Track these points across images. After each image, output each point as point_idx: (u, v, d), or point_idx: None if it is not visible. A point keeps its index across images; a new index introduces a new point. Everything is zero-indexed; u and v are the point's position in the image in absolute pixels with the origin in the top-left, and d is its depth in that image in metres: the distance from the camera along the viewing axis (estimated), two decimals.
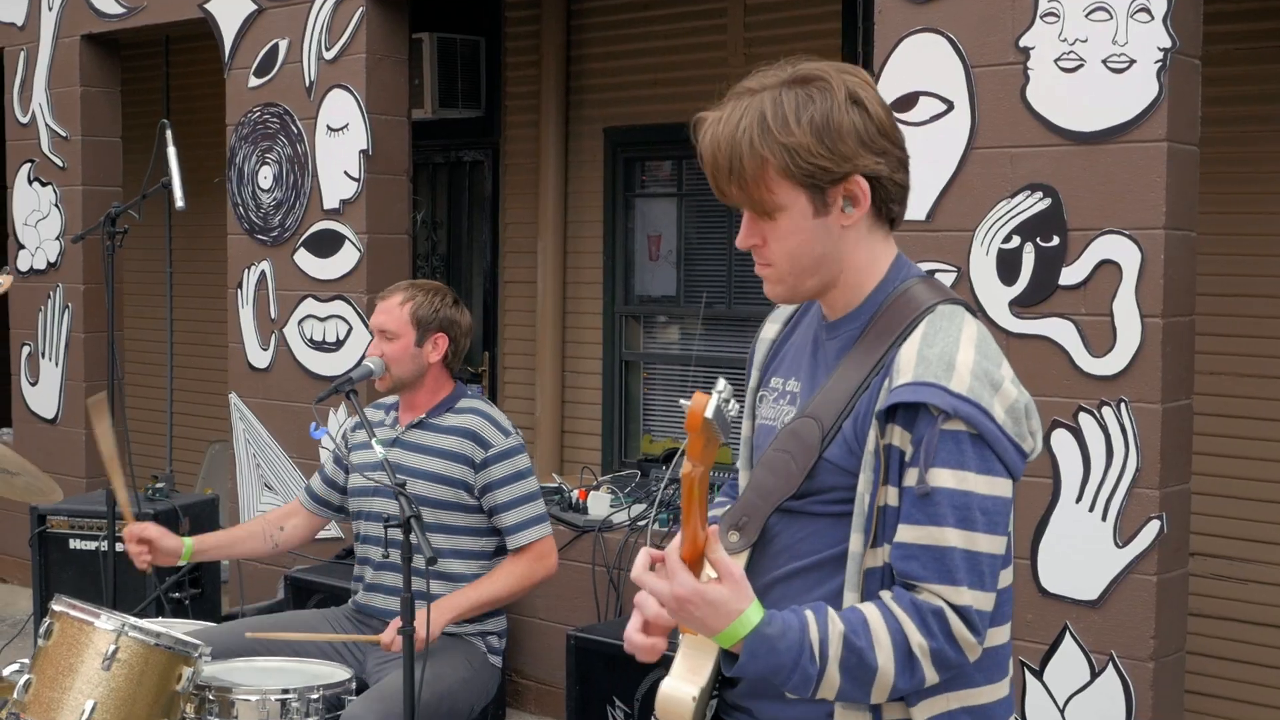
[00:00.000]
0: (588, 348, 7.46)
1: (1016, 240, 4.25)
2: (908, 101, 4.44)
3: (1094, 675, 4.17)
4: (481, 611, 3.95)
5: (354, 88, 5.98)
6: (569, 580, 5.37)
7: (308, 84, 6.13)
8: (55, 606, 3.39)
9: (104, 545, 5.54)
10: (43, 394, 7.57)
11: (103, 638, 3.30)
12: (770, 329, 2.35)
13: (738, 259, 7.00)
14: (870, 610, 1.97)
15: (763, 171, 2.01)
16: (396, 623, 3.66)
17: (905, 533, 1.97)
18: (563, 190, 7.39)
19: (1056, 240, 4.18)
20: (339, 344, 6.09)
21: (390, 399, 4.24)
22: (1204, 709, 5.18)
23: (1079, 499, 4.17)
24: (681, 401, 1.90)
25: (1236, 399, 5.30)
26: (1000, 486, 1.98)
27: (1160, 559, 4.08)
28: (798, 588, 2.08)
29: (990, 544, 1.97)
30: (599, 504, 5.65)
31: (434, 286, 4.21)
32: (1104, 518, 4.14)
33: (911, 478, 1.97)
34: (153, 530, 3.93)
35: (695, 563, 1.97)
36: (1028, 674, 4.25)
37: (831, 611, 1.98)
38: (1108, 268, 4.10)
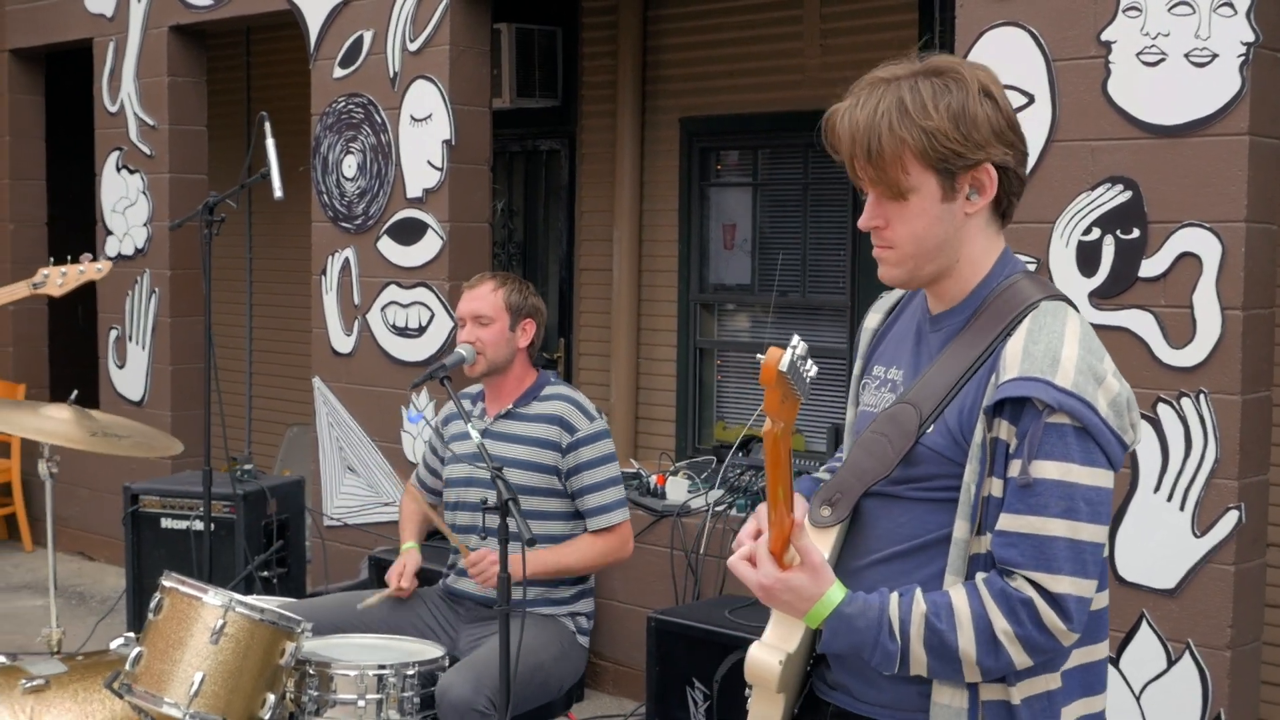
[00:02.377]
0: (662, 335, 7.55)
1: (1096, 232, 4.30)
2: None
3: (1170, 663, 4.22)
4: (560, 575, 4.05)
5: (438, 78, 6.09)
6: (647, 564, 5.47)
7: (392, 75, 6.25)
8: (165, 583, 3.52)
9: (195, 524, 5.70)
10: (129, 377, 7.75)
11: (211, 613, 3.44)
12: (873, 318, 2.43)
13: (812, 249, 7.07)
14: (957, 594, 2.06)
15: (900, 152, 2.09)
16: (484, 551, 3.79)
17: (1006, 521, 2.05)
18: (638, 179, 7.48)
19: (1136, 233, 4.22)
20: (421, 330, 6.21)
21: (475, 389, 4.34)
22: (1274, 698, 5.20)
23: (1157, 489, 4.22)
24: (757, 356, 1.99)
25: None
26: (1102, 477, 2.05)
27: (1238, 549, 4.13)
28: (897, 570, 2.16)
29: (1093, 533, 2.04)
30: (677, 489, 5.75)
31: (515, 276, 4.35)
32: (1182, 507, 4.18)
33: (1014, 469, 2.04)
34: (403, 566, 4.21)
35: (783, 547, 2.07)
36: None
37: (919, 594, 2.07)
38: (1188, 260, 4.14)
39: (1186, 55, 4.10)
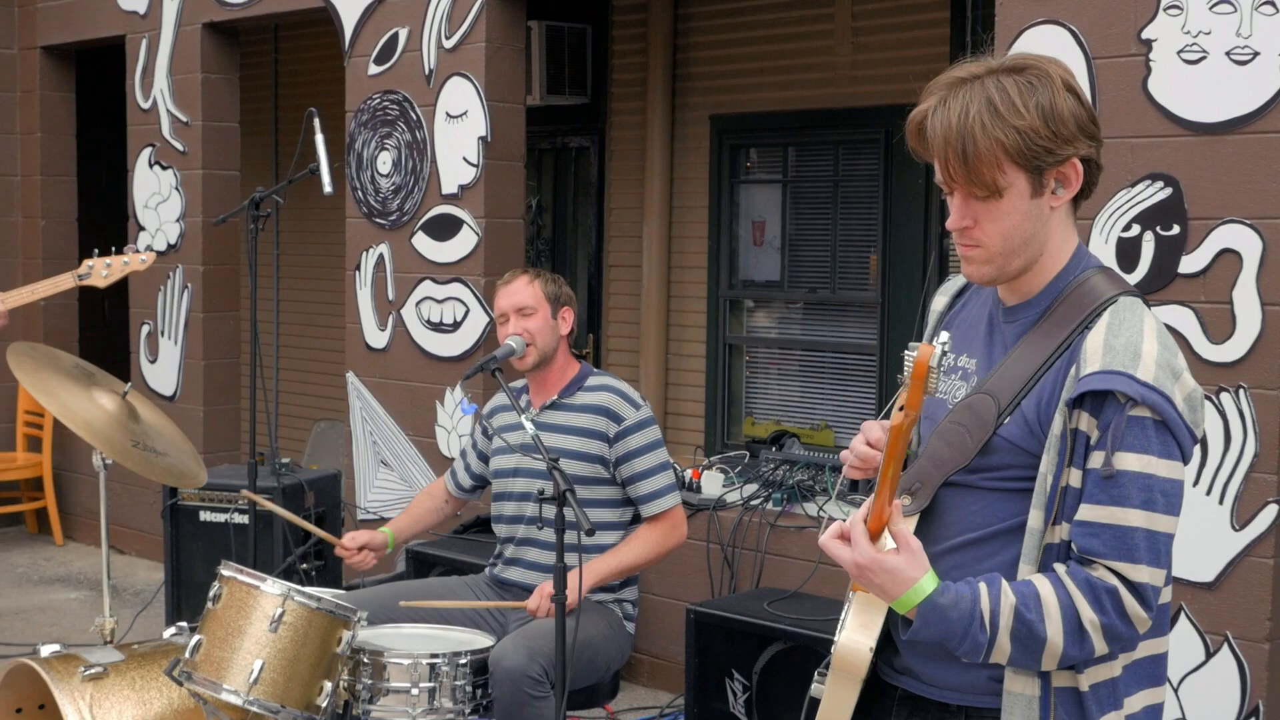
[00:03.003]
0: (691, 331, 7.60)
1: (1136, 229, 4.34)
2: None
3: (1208, 656, 4.25)
4: (623, 576, 4.12)
5: (473, 75, 6.14)
6: (683, 557, 5.51)
7: (427, 72, 6.30)
8: (224, 572, 3.57)
9: (234, 517, 5.76)
10: (161, 372, 7.81)
11: (270, 601, 3.49)
12: (940, 301, 2.47)
13: (841, 246, 7.11)
14: (1043, 584, 2.09)
15: (995, 153, 2.12)
16: (544, 588, 3.86)
17: (1088, 512, 2.09)
18: (668, 176, 7.53)
19: (1176, 229, 4.26)
20: (456, 325, 6.26)
21: (518, 384, 4.39)
22: None
23: (1196, 483, 4.25)
24: (905, 352, 2.03)
25: None
26: (1178, 470, 2.10)
27: (1277, 543, 4.16)
28: (971, 557, 2.20)
29: (1168, 524, 2.09)
30: (712, 483, 5.79)
31: (544, 269, 4.44)
32: (1221, 501, 4.22)
33: (1096, 460, 2.08)
34: (363, 535, 4.25)
35: (878, 532, 2.11)
36: None
37: (1005, 583, 2.11)
38: (1228, 256, 4.18)
39: (1228, 53, 4.14)
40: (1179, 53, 4.22)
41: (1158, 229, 4.30)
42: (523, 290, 4.23)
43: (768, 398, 7.51)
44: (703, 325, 7.56)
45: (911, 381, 1.99)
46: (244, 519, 5.65)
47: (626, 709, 5.47)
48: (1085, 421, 2.10)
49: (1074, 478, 2.11)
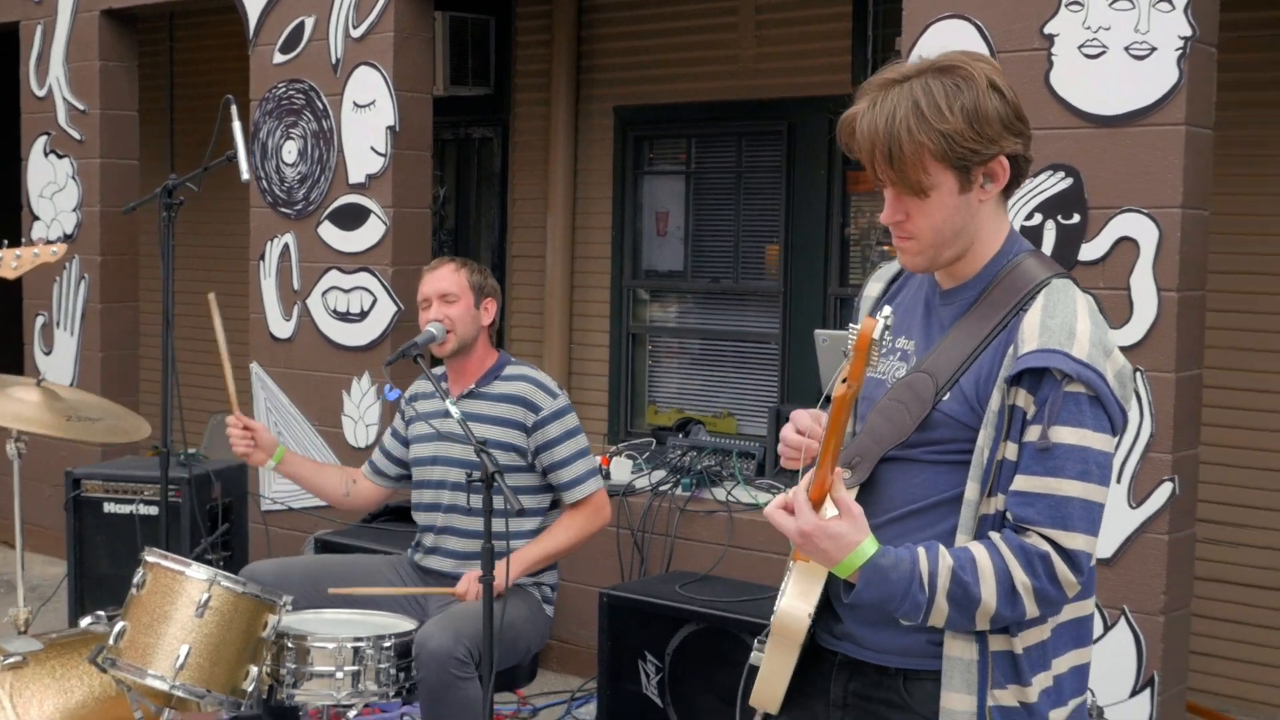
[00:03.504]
0: (595, 321, 7.66)
1: (1039, 218, 4.47)
2: None
3: (1107, 628, 4.40)
4: (549, 563, 4.17)
5: (381, 65, 6.14)
6: (593, 543, 5.52)
7: (334, 61, 6.29)
8: (148, 558, 3.56)
9: (140, 509, 5.70)
10: (57, 364, 7.70)
11: (196, 586, 3.49)
12: (875, 287, 2.55)
13: (744, 236, 7.22)
14: (979, 549, 2.19)
15: (920, 155, 2.21)
16: (471, 574, 3.90)
17: (1024, 482, 2.19)
18: (572, 167, 7.58)
19: (1077, 218, 4.40)
20: (363, 315, 6.26)
21: (437, 371, 4.42)
22: (1198, 667, 5.43)
23: None
24: (850, 325, 2.11)
25: (1234, 371, 5.57)
26: (1109, 444, 2.21)
27: (1171, 519, 4.32)
28: (910, 527, 2.30)
29: (1101, 494, 2.20)
30: (621, 470, 5.86)
31: (471, 260, 4.46)
32: (1119, 480, 4.37)
33: (1033, 434, 2.18)
34: (255, 422, 4.26)
35: (820, 501, 2.19)
36: None
37: (942, 548, 2.20)
38: (1126, 244, 4.32)
39: (1126, 48, 4.28)
40: (1080, 47, 4.36)
41: (1059, 218, 4.43)
42: (448, 277, 4.27)
43: (670, 386, 7.60)
44: (606, 315, 7.62)
45: (855, 354, 2.07)
46: (151, 510, 5.61)
47: (537, 693, 5.52)
48: (1023, 398, 2.19)
49: (1010, 451, 2.20)
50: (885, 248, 6.92)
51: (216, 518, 5.79)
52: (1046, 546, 2.17)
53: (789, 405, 6.19)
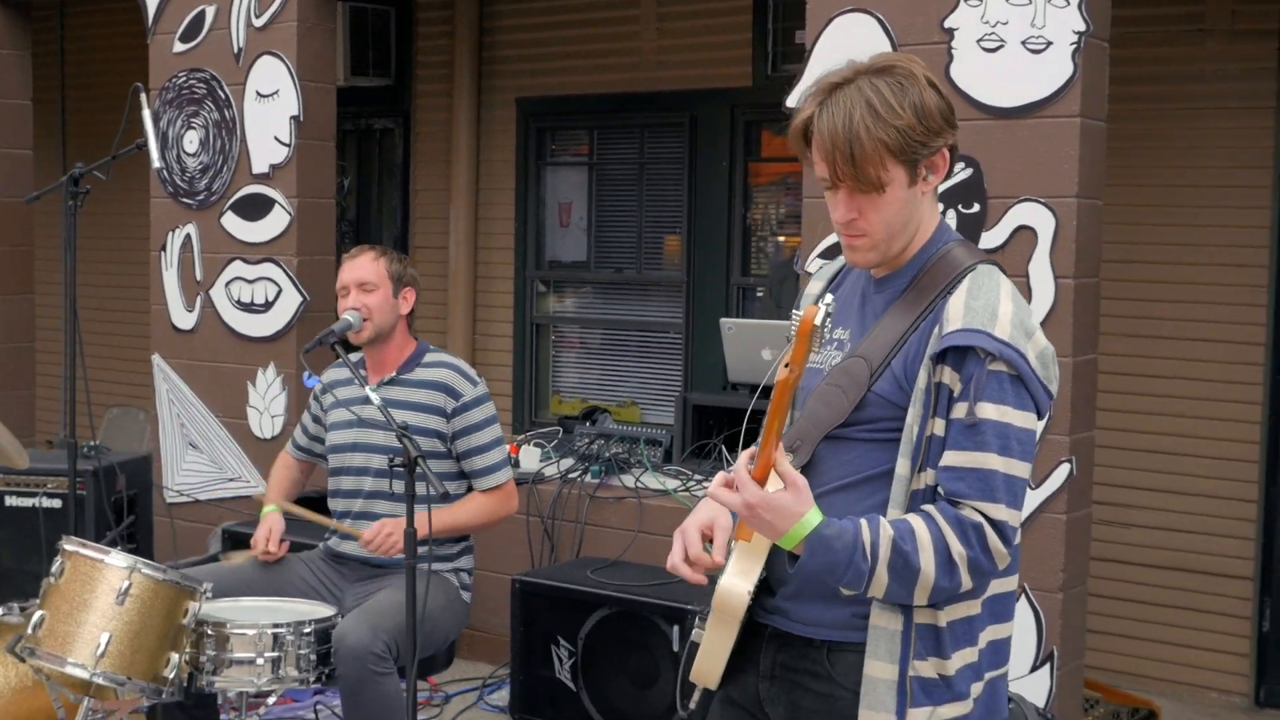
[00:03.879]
0: (499, 311, 7.70)
1: (940, 206, 4.57)
2: None
3: None
4: (456, 533, 4.21)
5: (284, 55, 6.12)
6: (503, 530, 5.59)
7: (236, 50, 6.26)
8: (66, 546, 3.55)
9: (43, 501, 5.64)
10: None
11: (116, 574, 3.49)
12: (816, 285, 2.64)
13: (646, 227, 7.30)
14: (916, 520, 2.27)
15: (878, 151, 2.30)
16: (382, 524, 3.94)
17: (953, 458, 2.28)
18: (474, 158, 7.61)
19: (977, 207, 4.53)
20: (268, 305, 6.24)
21: (354, 358, 4.42)
22: (1093, 644, 5.61)
23: None
24: (794, 312, 2.19)
25: (1126, 357, 5.76)
26: (1031, 421, 2.31)
27: (1069, 499, 4.47)
28: (844, 501, 2.38)
29: (1022, 469, 2.30)
30: (529, 458, 5.91)
31: (390, 249, 4.49)
32: None
33: (959, 411, 2.27)
34: (271, 528, 4.28)
35: (763, 479, 2.26)
36: None
37: (883, 520, 2.28)
38: (1024, 233, 4.46)
39: (1023, 42, 4.41)
40: (979, 41, 4.48)
41: (959, 207, 4.56)
42: (366, 266, 4.29)
43: (574, 376, 7.66)
44: (510, 306, 7.67)
45: (797, 339, 2.15)
46: (54, 503, 5.56)
47: (448, 681, 5.55)
48: (948, 375, 2.28)
49: (938, 427, 2.29)
50: (782, 238, 7.04)
51: (121, 510, 5.75)
52: (979, 517, 2.26)
53: (694, 393, 6.29)
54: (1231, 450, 5.72)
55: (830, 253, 4.87)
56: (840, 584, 2.28)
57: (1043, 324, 4.42)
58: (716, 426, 5.83)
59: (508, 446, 5.85)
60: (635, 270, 7.35)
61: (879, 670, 2.33)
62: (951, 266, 2.39)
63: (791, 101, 4.94)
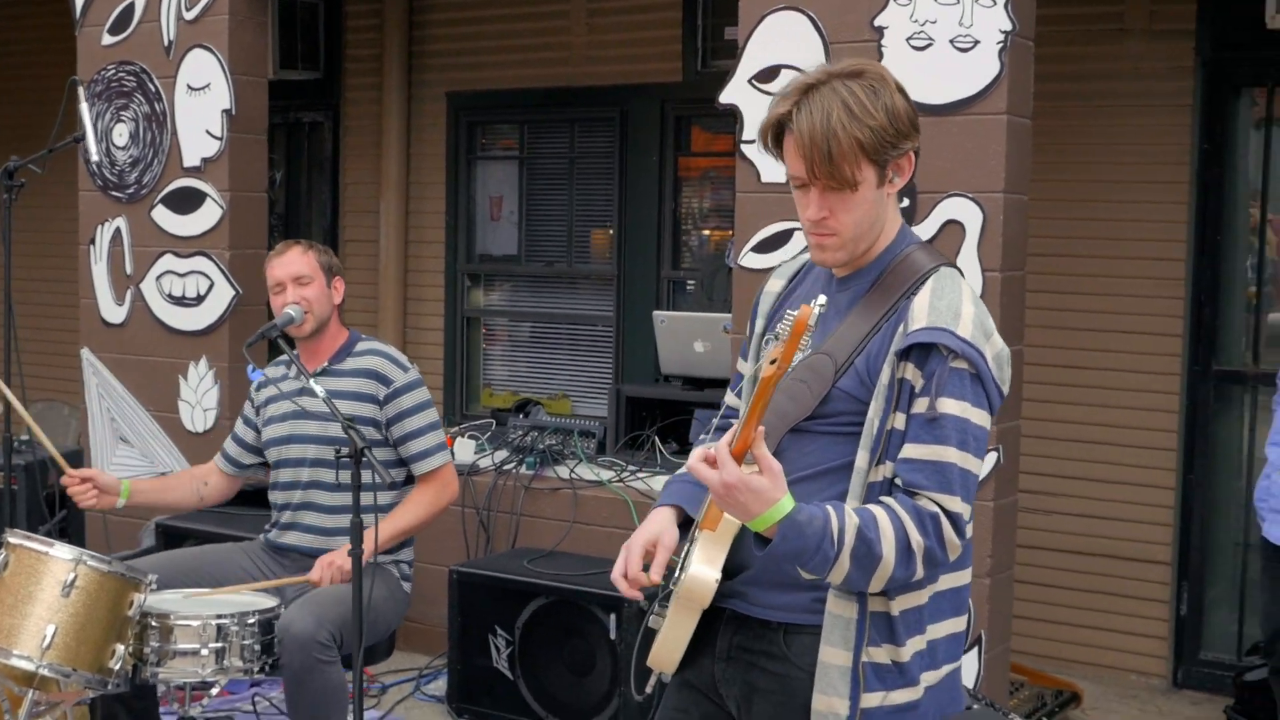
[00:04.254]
0: (429, 305, 7.73)
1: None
2: (769, 74, 4.83)
3: None
4: (399, 540, 4.25)
5: (216, 48, 6.10)
6: (439, 522, 5.59)
7: (166, 43, 6.23)
8: (10, 539, 3.56)
9: None
10: None
11: (61, 567, 3.50)
12: (776, 284, 2.71)
13: (577, 221, 7.36)
14: (878, 509, 2.34)
15: (854, 150, 2.37)
16: (322, 561, 3.98)
17: (913, 450, 2.35)
18: (405, 152, 7.63)
19: (907, 201, 4.62)
20: (200, 299, 6.22)
21: (285, 357, 4.45)
22: (1019, 629, 5.74)
23: None
24: (789, 312, 2.24)
25: (1051, 349, 5.89)
26: (986, 420, 2.39)
27: (996, 487, 4.58)
28: (806, 490, 2.44)
29: (977, 465, 2.38)
30: (464, 450, 5.94)
31: (313, 242, 4.51)
32: None
33: (920, 406, 2.35)
34: (91, 470, 4.15)
35: (741, 457, 2.30)
36: None
37: (847, 508, 2.34)
38: (952, 227, 4.56)
39: (951, 41, 4.52)
40: (908, 39, 4.59)
41: None
42: (298, 260, 4.32)
43: (506, 369, 7.71)
44: (440, 299, 7.70)
45: (790, 337, 2.19)
46: None
47: (385, 671, 5.58)
48: (911, 371, 2.36)
49: (899, 421, 2.37)
50: (707, 232, 7.12)
51: (53, 504, 5.73)
52: (935, 508, 2.33)
53: (627, 385, 6.36)
54: (1151, 439, 5.88)
55: (763, 247, 4.95)
56: (805, 568, 2.33)
57: None
58: (649, 418, 5.91)
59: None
60: (566, 264, 7.40)
61: (833, 656, 2.40)
62: (915, 268, 2.46)
63: (724, 98, 5.03)
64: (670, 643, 2.54)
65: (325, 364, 4.37)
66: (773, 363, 2.20)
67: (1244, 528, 5.77)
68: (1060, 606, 6.01)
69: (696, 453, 2.35)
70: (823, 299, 2.28)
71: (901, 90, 2.44)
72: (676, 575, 2.58)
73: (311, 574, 4.07)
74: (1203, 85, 5.77)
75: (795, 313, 2.21)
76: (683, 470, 2.76)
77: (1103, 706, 5.60)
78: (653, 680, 2.63)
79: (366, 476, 4.22)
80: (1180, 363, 5.83)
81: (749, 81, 4.82)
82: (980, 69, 4.48)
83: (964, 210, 4.54)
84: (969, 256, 4.53)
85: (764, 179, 4.82)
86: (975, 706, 3.56)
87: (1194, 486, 5.83)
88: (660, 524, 2.62)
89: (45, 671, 3.46)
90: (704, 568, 2.47)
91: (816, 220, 2.45)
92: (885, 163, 2.42)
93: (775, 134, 2.45)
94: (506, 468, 5.74)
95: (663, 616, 2.55)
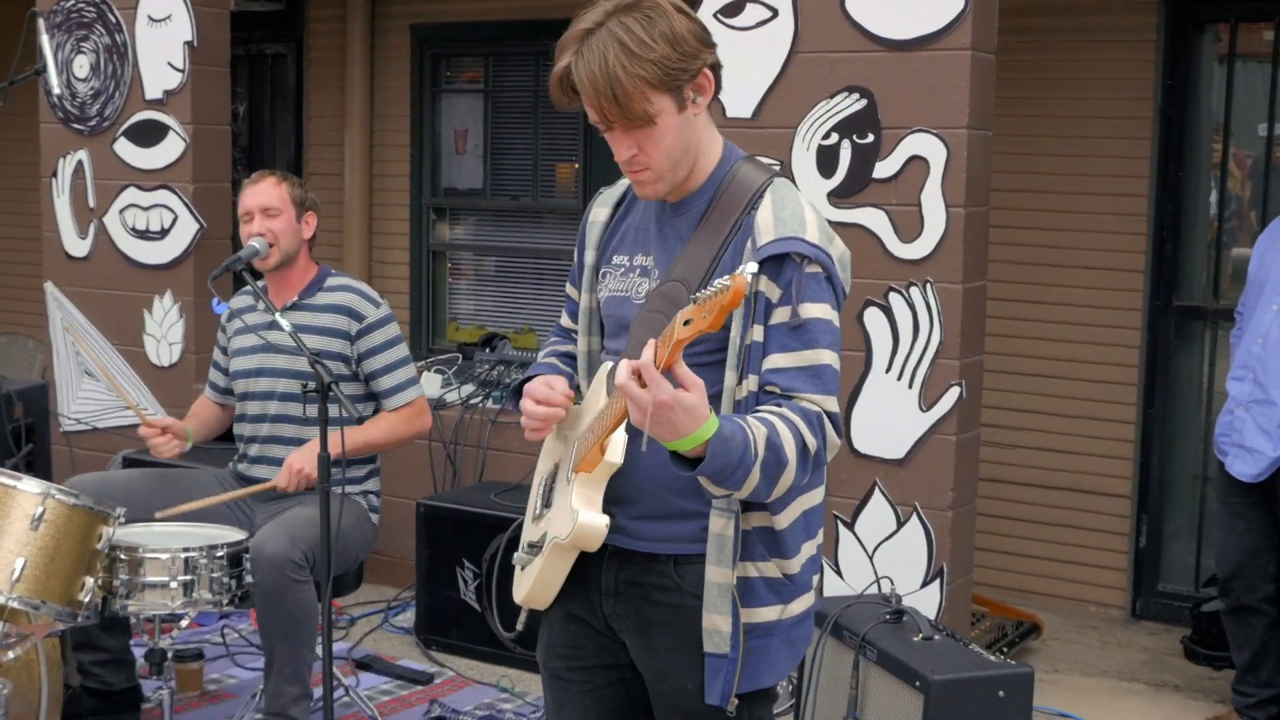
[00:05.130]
0: (395, 239, 7.71)
1: (835, 137, 4.70)
2: (734, 8, 4.82)
3: (899, 525, 4.70)
4: (368, 452, 4.27)
5: None
6: (406, 456, 5.68)
7: None
8: None
9: None
10: None
11: (29, 500, 3.51)
12: (600, 212, 2.67)
13: (543, 154, 7.33)
14: (773, 418, 2.32)
15: (639, 87, 2.36)
16: (290, 462, 4.01)
17: (784, 359, 2.37)
18: (369, 85, 7.58)
19: (871, 137, 4.64)
20: (164, 233, 6.20)
21: (259, 284, 4.43)
22: (980, 561, 5.82)
23: (888, 369, 4.68)
24: (725, 279, 2.15)
25: (1013, 284, 5.94)
26: (838, 319, 2.44)
27: (959, 421, 4.63)
28: None
29: (839, 361, 2.43)
30: (431, 384, 5.96)
31: (290, 174, 4.51)
32: (910, 385, 4.66)
33: (783, 315, 2.37)
34: (166, 419, 4.27)
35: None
36: (840, 526, 4.77)
37: (751, 419, 2.32)
38: (916, 163, 4.58)
39: None
40: None
41: (854, 137, 4.67)
42: (269, 191, 4.31)
43: (471, 304, 7.71)
44: (406, 233, 7.68)
45: (719, 309, 2.10)
46: None
47: (353, 604, 5.62)
48: (764, 284, 2.37)
49: (757, 334, 2.38)
50: None
51: (19, 438, 5.73)
52: (817, 409, 2.36)
53: None
54: (1111, 374, 5.94)
55: None
56: (725, 484, 2.28)
57: (934, 252, 4.57)
58: None
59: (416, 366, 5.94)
60: (531, 198, 7.39)
61: (716, 574, 2.40)
62: (748, 183, 2.48)
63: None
64: (545, 583, 2.52)
65: (295, 298, 4.37)
66: (686, 324, 2.13)
67: (1203, 461, 5.86)
68: (1021, 539, 6.09)
69: (624, 366, 2.22)
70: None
71: (682, 9, 2.41)
72: (539, 512, 2.58)
73: (278, 479, 4.09)
74: (1166, 20, 5.79)
75: (728, 281, 2.12)
76: (540, 362, 2.77)
77: (1062, 637, 5.69)
78: (523, 617, 2.64)
79: (335, 412, 4.26)
80: (1141, 298, 5.88)
81: (714, 16, 4.81)
82: (945, 4, 4.49)
83: (928, 146, 4.56)
84: (933, 193, 4.56)
85: (729, 114, 4.82)
86: (937, 637, 3.61)
87: (1154, 421, 5.91)
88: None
89: (14, 604, 3.47)
90: (591, 512, 2.44)
91: (627, 160, 2.45)
92: (680, 87, 2.41)
93: (568, 84, 2.42)
94: (473, 402, 5.76)
95: (533, 557, 2.54)
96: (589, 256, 2.65)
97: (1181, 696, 5.12)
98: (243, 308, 4.45)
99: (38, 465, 5.84)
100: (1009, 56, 5.23)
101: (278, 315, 3.84)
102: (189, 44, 6.06)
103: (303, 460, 4.05)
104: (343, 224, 7.70)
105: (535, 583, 2.53)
